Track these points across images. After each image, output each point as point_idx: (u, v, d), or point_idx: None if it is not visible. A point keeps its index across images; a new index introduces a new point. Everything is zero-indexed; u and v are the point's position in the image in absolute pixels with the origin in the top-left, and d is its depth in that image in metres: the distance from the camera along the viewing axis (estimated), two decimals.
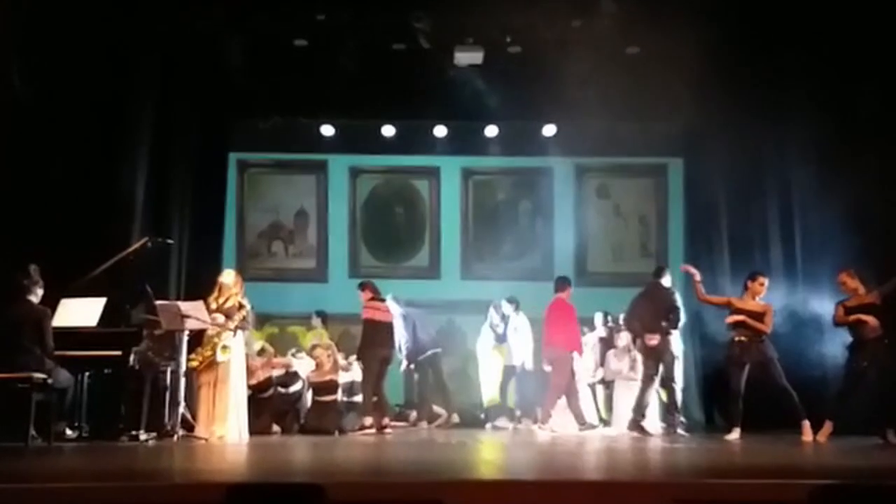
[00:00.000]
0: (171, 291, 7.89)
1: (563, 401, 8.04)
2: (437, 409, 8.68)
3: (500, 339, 8.58)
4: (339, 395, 7.76)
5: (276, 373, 7.83)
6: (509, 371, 8.33)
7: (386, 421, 7.42)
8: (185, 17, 7.77)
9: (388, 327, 7.66)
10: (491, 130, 9.54)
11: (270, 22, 8.00)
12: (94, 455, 5.36)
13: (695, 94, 7.90)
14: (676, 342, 7.25)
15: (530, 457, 5.45)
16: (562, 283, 7.84)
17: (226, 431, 6.22)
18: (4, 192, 6.89)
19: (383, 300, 7.74)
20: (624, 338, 8.05)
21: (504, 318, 8.52)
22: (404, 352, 8.25)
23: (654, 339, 7.05)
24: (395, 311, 8.10)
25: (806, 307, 7.89)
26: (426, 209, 10.10)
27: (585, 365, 8.11)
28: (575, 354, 7.55)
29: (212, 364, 6.34)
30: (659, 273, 7.36)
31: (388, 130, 9.56)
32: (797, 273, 8.19)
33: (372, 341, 7.49)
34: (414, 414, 8.67)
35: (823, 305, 7.36)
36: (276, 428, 7.47)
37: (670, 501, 3.41)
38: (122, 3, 7.48)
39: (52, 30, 7.20)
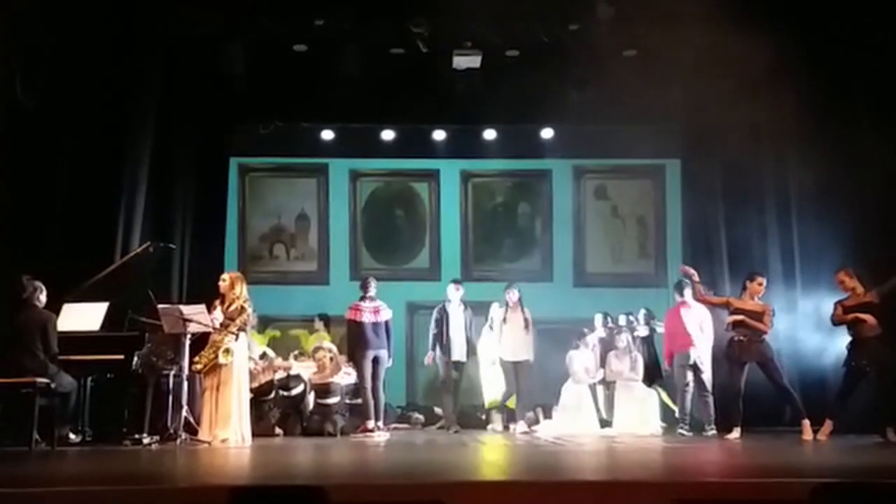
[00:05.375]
0: (174, 295, 7.90)
1: (563, 403, 8.06)
2: (438, 410, 8.71)
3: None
4: (342, 398, 7.78)
5: (279, 376, 7.87)
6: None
7: (373, 424, 7.29)
8: (186, 23, 7.80)
9: (370, 328, 7.47)
10: (489, 133, 9.57)
11: (270, 27, 8.03)
12: (98, 459, 5.38)
13: (692, 96, 7.94)
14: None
15: (530, 457, 5.48)
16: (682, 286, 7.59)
17: (228, 434, 6.24)
18: (8, 199, 6.92)
19: (373, 299, 7.58)
20: (624, 339, 8.09)
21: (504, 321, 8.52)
22: (464, 347, 8.04)
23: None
24: (454, 299, 8.05)
25: (804, 306, 7.92)
26: (426, 212, 10.14)
27: (585, 366, 8.14)
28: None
29: (214, 367, 6.35)
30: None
31: (388, 134, 9.60)
32: (795, 273, 8.21)
33: (356, 343, 7.46)
34: (416, 416, 8.70)
35: (822, 305, 7.39)
36: (278, 430, 7.50)
37: (671, 501, 3.43)
38: (122, 9, 7.52)
39: (53, 37, 7.24)
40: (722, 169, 8.62)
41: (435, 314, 8.19)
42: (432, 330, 8.18)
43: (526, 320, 7.92)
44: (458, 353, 8.05)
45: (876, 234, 7.64)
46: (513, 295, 8.02)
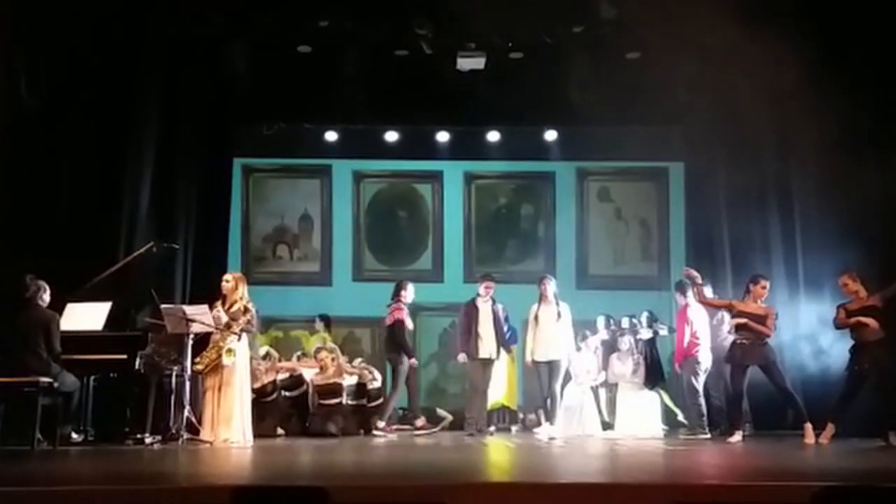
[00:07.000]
0: (177, 295, 7.92)
1: (565, 405, 8.05)
2: (440, 412, 8.70)
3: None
4: (344, 399, 7.79)
5: (281, 376, 7.88)
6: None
7: (421, 421, 7.54)
8: (189, 24, 7.82)
9: (388, 330, 7.62)
10: (493, 135, 9.58)
11: (274, 28, 8.04)
12: (100, 458, 5.40)
13: (695, 98, 7.93)
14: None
15: (532, 459, 5.48)
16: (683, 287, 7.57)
17: (230, 435, 6.25)
18: (12, 199, 6.95)
19: (398, 300, 7.75)
20: (627, 341, 8.09)
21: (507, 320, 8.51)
22: (493, 344, 7.66)
23: None
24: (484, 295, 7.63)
25: (807, 310, 7.91)
26: (429, 213, 10.14)
27: (588, 368, 8.13)
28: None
29: (216, 367, 6.37)
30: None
31: (392, 135, 9.60)
32: (798, 276, 8.20)
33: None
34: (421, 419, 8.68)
35: (825, 308, 7.38)
36: (280, 431, 7.51)
37: None
38: (126, 11, 7.54)
39: (57, 38, 7.26)
40: (725, 172, 8.61)
41: (464, 309, 7.77)
42: (461, 327, 7.75)
43: (559, 314, 7.45)
44: (487, 350, 7.61)
45: (879, 237, 7.63)
46: (548, 286, 7.47)
